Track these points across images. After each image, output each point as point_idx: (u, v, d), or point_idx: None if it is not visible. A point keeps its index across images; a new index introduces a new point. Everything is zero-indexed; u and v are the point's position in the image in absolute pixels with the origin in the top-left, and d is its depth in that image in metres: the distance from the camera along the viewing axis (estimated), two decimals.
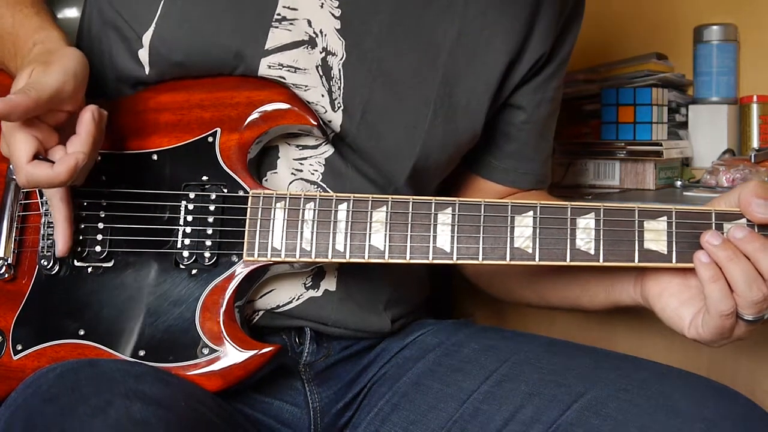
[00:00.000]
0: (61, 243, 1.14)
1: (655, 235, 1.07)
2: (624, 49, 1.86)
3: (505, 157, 1.40)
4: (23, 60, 1.13)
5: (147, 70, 1.22)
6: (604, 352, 1.25)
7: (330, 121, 1.22)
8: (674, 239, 1.07)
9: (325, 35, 1.22)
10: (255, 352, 1.13)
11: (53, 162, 1.05)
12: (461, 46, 1.27)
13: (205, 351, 1.14)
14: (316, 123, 1.17)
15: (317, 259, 1.13)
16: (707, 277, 1.04)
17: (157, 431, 0.94)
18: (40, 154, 1.06)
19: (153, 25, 1.20)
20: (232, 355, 1.13)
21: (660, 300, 1.14)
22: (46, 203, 1.21)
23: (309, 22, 1.22)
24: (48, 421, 0.96)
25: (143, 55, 1.22)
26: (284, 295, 1.23)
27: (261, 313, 1.23)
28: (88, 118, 1.08)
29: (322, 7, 1.22)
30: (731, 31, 1.78)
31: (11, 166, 1.24)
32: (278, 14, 1.21)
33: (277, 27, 1.20)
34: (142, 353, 1.15)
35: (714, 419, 1.06)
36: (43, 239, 1.21)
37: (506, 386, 1.20)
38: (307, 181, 1.23)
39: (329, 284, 1.25)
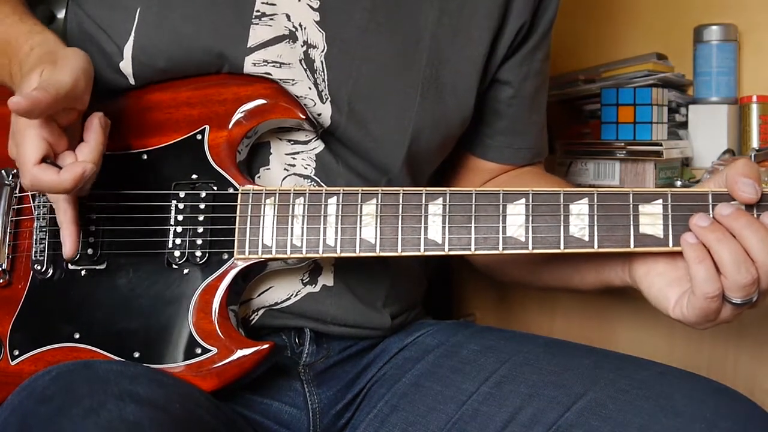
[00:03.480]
0: (69, 245, 1.13)
1: (651, 219, 1.06)
2: (624, 49, 1.85)
3: (497, 134, 1.40)
4: (22, 65, 1.13)
5: (132, 81, 1.22)
6: (603, 352, 1.23)
7: (320, 114, 1.22)
8: (670, 222, 1.05)
9: (305, 28, 1.22)
10: (249, 350, 1.12)
11: (60, 167, 1.05)
12: (443, 27, 1.27)
13: (199, 350, 1.13)
14: (304, 116, 1.17)
15: (308, 255, 1.13)
16: (693, 258, 1.03)
17: None
18: (49, 158, 1.05)
19: (132, 34, 1.20)
20: (226, 353, 1.12)
21: (646, 279, 1.12)
22: (38, 207, 1.21)
23: (288, 17, 1.22)
24: (41, 423, 0.95)
25: (125, 66, 1.21)
26: (282, 292, 1.22)
27: (260, 312, 1.22)
28: (96, 125, 1.08)
29: (299, 0, 1.22)
30: (731, 31, 1.77)
31: (3, 172, 1.24)
32: (257, 11, 1.21)
33: (257, 24, 1.20)
34: (136, 354, 1.14)
35: (714, 419, 1.04)
36: (35, 244, 1.20)
37: (506, 387, 1.19)
38: (300, 175, 1.22)
39: (326, 280, 1.24)
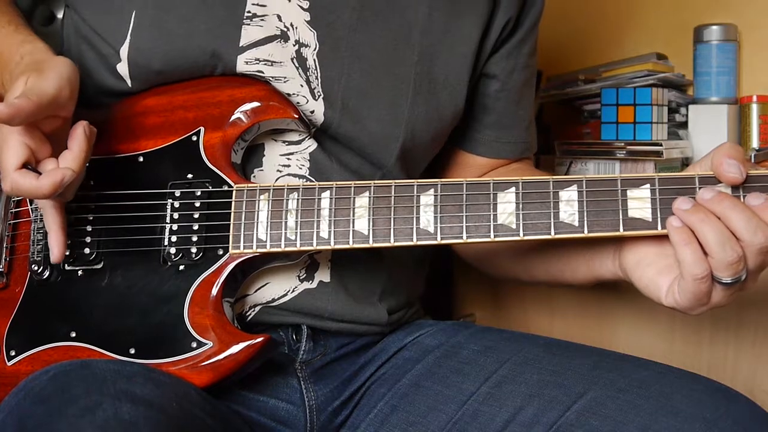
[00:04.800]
0: (56, 250, 1.13)
1: (639, 203, 1.06)
2: (624, 49, 1.86)
3: (485, 128, 1.41)
4: (11, 74, 1.14)
5: (129, 83, 1.24)
6: (603, 352, 1.23)
7: (313, 111, 1.23)
8: (658, 206, 1.06)
9: (296, 28, 1.23)
10: (244, 343, 1.13)
11: (40, 173, 1.06)
12: (433, 23, 1.28)
13: (194, 345, 1.14)
14: (297, 116, 1.18)
15: (302, 248, 1.13)
16: (678, 241, 1.03)
17: None
18: (30, 164, 1.07)
19: (128, 36, 1.22)
20: (221, 347, 1.13)
21: (637, 269, 1.12)
22: (36, 210, 1.22)
23: (279, 17, 1.23)
24: (38, 423, 0.95)
25: (122, 68, 1.23)
26: (279, 289, 1.23)
27: (257, 308, 1.23)
28: (80, 133, 1.09)
29: (290, 1, 1.23)
30: (731, 31, 1.76)
31: None
32: (248, 11, 1.22)
33: (249, 24, 1.22)
34: (132, 351, 1.15)
35: (714, 419, 1.04)
36: (33, 245, 1.21)
37: (506, 387, 1.19)
38: (295, 175, 1.23)
39: (323, 275, 1.25)
